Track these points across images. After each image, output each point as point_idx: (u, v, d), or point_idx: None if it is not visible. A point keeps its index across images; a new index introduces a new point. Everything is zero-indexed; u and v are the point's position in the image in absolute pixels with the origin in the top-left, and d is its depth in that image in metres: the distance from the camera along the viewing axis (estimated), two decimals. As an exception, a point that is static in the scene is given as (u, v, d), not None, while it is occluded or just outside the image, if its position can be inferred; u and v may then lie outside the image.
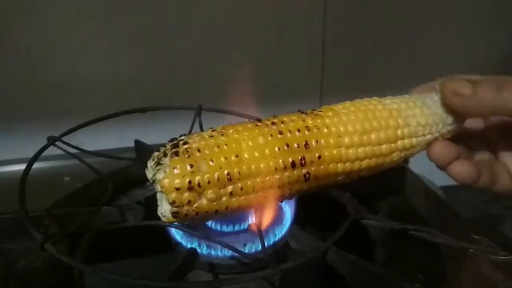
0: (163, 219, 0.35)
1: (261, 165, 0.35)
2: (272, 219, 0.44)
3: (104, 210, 0.46)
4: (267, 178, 0.35)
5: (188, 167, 0.32)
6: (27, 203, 0.40)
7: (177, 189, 0.32)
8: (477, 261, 0.40)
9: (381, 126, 0.39)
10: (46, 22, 0.77)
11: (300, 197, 0.45)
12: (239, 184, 0.34)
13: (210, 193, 0.33)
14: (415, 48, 0.93)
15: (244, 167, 0.34)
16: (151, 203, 0.39)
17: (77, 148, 0.49)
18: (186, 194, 0.32)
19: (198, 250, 0.41)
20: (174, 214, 0.33)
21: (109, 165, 0.57)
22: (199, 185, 0.32)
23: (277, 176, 0.35)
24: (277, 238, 0.43)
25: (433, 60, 0.93)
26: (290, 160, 0.35)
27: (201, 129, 0.54)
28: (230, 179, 0.33)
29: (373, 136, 0.39)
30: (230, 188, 0.34)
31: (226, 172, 0.33)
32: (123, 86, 0.83)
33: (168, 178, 0.32)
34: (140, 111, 0.56)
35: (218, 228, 0.45)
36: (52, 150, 0.50)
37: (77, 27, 0.79)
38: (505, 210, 0.85)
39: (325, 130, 0.37)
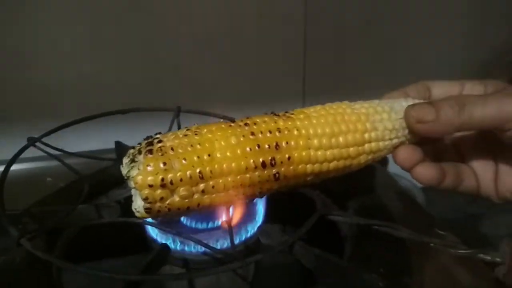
0: (136, 214, 0.36)
1: (233, 165, 0.36)
2: (243, 216, 0.46)
3: (81, 209, 0.48)
4: (238, 177, 0.36)
5: (161, 165, 0.33)
6: (10, 203, 0.41)
7: (150, 186, 0.33)
8: (440, 256, 0.42)
9: (349, 129, 0.41)
10: (33, 26, 0.78)
11: (272, 195, 0.47)
12: (210, 183, 0.35)
13: (182, 191, 0.34)
14: (399, 49, 0.95)
15: (216, 166, 0.35)
16: (131, 203, 0.41)
17: (57, 149, 0.50)
18: (159, 191, 0.34)
19: (171, 246, 0.42)
20: (147, 210, 0.34)
21: (91, 166, 0.58)
22: (171, 182, 0.34)
23: (248, 176, 0.37)
24: (248, 235, 0.45)
25: (417, 61, 0.95)
26: (261, 160, 0.37)
27: (179, 130, 0.55)
28: (202, 177, 0.35)
29: (341, 139, 0.40)
30: (202, 186, 0.35)
31: (198, 170, 0.35)
32: (107, 91, 0.84)
33: (141, 175, 0.33)
34: (120, 112, 0.57)
35: (193, 225, 0.46)
36: (35, 152, 0.51)
37: (63, 32, 0.80)
38: (485, 210, 0.87)
39: (296, 132, 0.39)
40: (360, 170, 0.44)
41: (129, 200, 0.53)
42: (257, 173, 0.37)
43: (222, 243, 0.43)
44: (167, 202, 0.34)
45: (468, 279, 0.41)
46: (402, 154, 0.43)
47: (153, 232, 0.46)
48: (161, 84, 0.87)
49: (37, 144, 0.50)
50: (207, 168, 0.35)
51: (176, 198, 0.35)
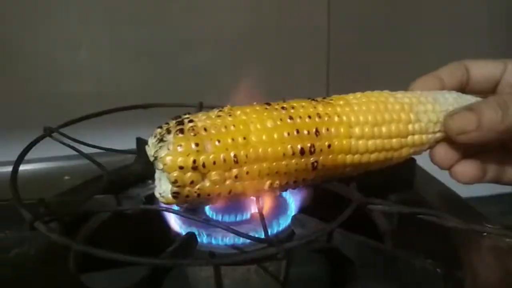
0: (161, 200, 0.33)
1: (269, 150, 0.33)
2: (274, 209, 0.43)
3: (101, 199, 0.45)
4: (274, 163, 0.34)
5: (193, 146, 0.31)
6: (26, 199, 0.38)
7: (181, 167, 0.31)
8: (489, 247, 0.39)
9: (392, 119, 0.38)
10: (52, 31, 0.77)
11: (305, 189, 0.44)
12: (244, 168, 0.33)
13: (214, 175, 0.32)
14: (422, 51, 0.93)
15: (251, 150, 0.33)
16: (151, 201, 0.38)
17: (74, 139, 0.48)
18: (189, 173, 0.31)
19: (197, 236, 0.39)
20: (175, 195, 0.32)
21: (110, 164, 0.56)
22: (203, 165, 0.31)
23: (284, 163, 0.34)
24: (280, 228, 0.42)
25: (439, 62, 0.92)
26: (299, 147, 0.34)
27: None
28: (236, 161, 0.32)
29: (384, 129, 0.37)
30: (235, 171, 0.32)
31: (232, 154, 0.32)
32: (127, 95, 0.82)
33: (171, 155, 0.31)
34: (142, 107, 0.55)
35: (219, 218, 0.43)
36: (53, 152, 0.48)
37: (82, 36, 0.80)
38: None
39: (336, 119, 0.36)
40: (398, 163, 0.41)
41: (150, 198, 0.51)
42: (294, 160, 0.34)
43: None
44: (197, 187, 0.32)
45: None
46: (440, 153, 0.41)
47: (177, 225, 0.43)
48: (181, 87, 0.85)
49: (54, 134, 0.47)
50: (242, 152, 0.32)
51: (207, 183, 0.32)
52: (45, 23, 0.77)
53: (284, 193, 0.47)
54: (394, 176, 0.46)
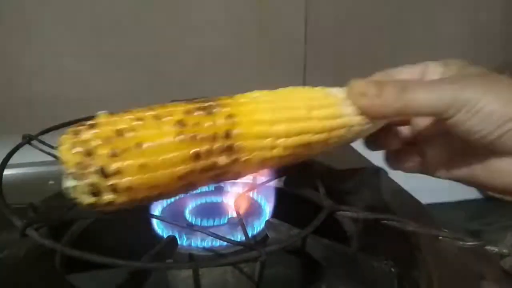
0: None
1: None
2: (249, 212, 0.45)
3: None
4: None
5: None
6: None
7: None
8: (446, 250, 0.42)
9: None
10: (38, 41, 0.79)
11: (278, 195, 0.47)
12: None
13: None
14: (396, 63, 0.96)
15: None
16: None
17: (53, 147, 0.49)
18: None
19: (178, 239, 0.42)
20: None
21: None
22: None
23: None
24: (255, 231, 0.45)
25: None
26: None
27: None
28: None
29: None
30: None
31: None
32: (110, 104, 0.84)
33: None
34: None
35: (198, 222, 0.46)
36: (38, 157, 0.49)
37: (67, 47, 0.81)
38: (485, 227, 0.87)
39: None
40: (364, 171, 0.44)
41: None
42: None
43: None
44: None
45: (472, 270, 0.41)
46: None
47: (159, 228, 0.45)
48: (163, 94, 0.86)
49: (34, 142, 0.48)
50: None
51: None
52: (31, 31, 0.79)
53: (258, 199, 0.50)
54: (361, 183, 0.49)
